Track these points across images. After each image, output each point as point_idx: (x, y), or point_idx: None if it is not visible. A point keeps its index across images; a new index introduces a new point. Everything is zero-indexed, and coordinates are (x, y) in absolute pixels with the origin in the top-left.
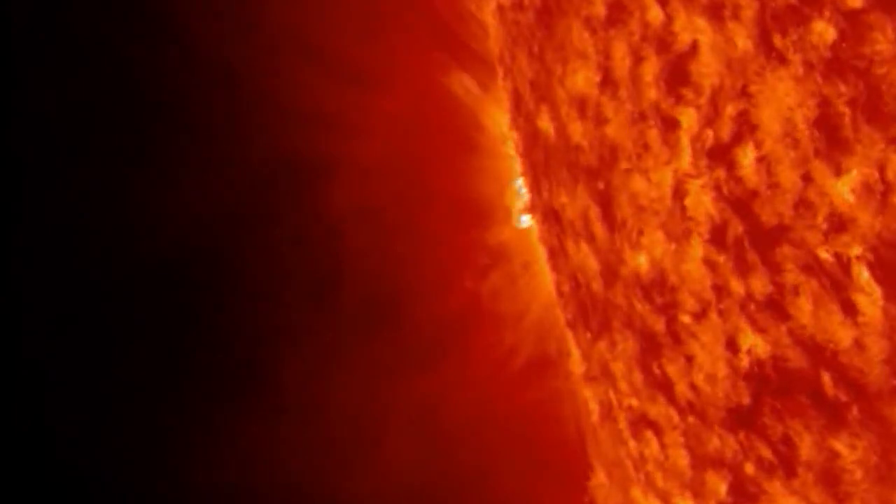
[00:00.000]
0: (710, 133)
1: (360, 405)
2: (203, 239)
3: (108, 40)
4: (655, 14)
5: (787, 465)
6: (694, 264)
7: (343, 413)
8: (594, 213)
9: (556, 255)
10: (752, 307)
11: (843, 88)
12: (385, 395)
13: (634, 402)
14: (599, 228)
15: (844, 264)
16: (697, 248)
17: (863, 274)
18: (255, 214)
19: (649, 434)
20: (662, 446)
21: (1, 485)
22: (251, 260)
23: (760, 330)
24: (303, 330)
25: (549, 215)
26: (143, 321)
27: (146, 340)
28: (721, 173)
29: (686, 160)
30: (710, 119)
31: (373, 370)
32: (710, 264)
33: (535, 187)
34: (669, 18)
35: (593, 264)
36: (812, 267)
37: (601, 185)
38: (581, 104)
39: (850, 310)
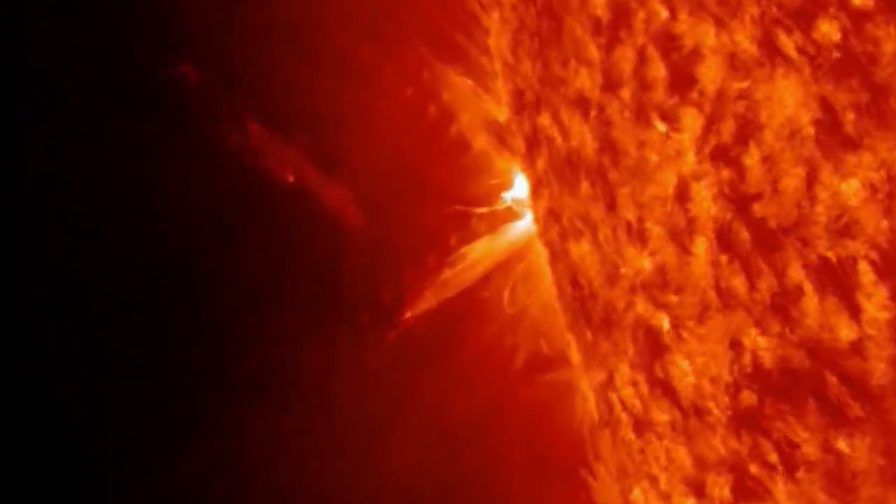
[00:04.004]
0: (713, 134)
1: (362, 405)
2: (204, 239)
3: (108, 41)
4: (659, 15)
5: (790, 465)
6: (697, 264)
7: (344, 413)
8: (596, 213)
9: (557, 254)
10: (756, 308)
11: (847, 89)
12: (386, 395)
13: (636, 402)
14: (601, 228)
15: (849, 265)
16: (701, 249)
17: (867, 275)
18: (255, 215)
19: (651, 434)
20: (665, 447)
21: (2, 484)
22: (252, 260)
23: (764, 330)
24: (304, 331)
25: (550, 215)
26: (146, 322)
27: (147, 341)
28: (725, 174)
29: (690, 161)
30: (714, 120)
31: (374, 370)
32: (713, 264)
33: (536, 187)
34: (673, 19)
35: (595, 264)
36: (816, 267)
37: (603, 186)
38: (583, 105)
39: (854, 310)
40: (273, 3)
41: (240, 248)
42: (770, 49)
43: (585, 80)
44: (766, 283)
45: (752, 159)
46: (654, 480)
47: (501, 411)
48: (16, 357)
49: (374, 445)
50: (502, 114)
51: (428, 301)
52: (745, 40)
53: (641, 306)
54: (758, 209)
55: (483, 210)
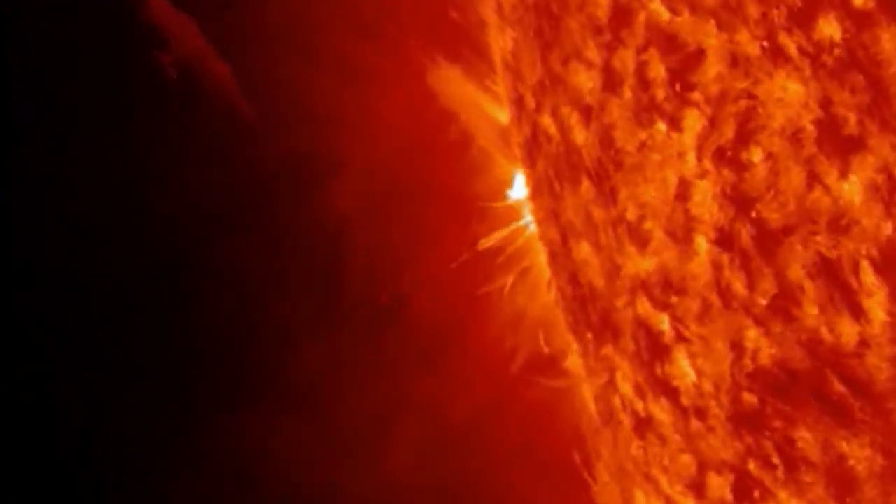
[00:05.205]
0: (715, 134)
1: (362, 406)
2: (204, 239)
3: (107, 41)
4: (660, 15)
5: (791, 466)
6: (698, 265)
7: (345, 414)
8: (597, 213)
9: (557, 255)
10: (757, 308)
11: (849, 88)
12: (387, 396)
13: (637, 403)
14: (602, 229)
15: (850, 265)
16: (702, 249)
17: (868, 275)
18: (255, 215)
19: (652, 435)
20: (666, 448)
21: (2, 484)
22: (252, 260)
23: (765, 331)
24: (304, 331)
25: (550, 215)
26: (146, 322)
27: (148, 342)
28: (726, 174)
29: (691, 161)
30: (716, 120)
31: (374, 371)
32: (714, 265)
33: (536, 187)
34: (674, 20)
35: (595, 264)
36: (818, 267)
37: (604, 186)
38: (584, 105)
39: (855, 310)
40: (273, 3)
41: (240, 248)
42: (771, 49)
43: (586, 81)
44: (767, 284)
45: (753, 159)
46: (654, 481)
47: (501, 411)
48: (16, 357)
49: (375, 445)
50: (503, 114)
51: (428, 301)
52: (746, 40)
53: (642, 306)
54: (759, 209)
55: (483, 210)
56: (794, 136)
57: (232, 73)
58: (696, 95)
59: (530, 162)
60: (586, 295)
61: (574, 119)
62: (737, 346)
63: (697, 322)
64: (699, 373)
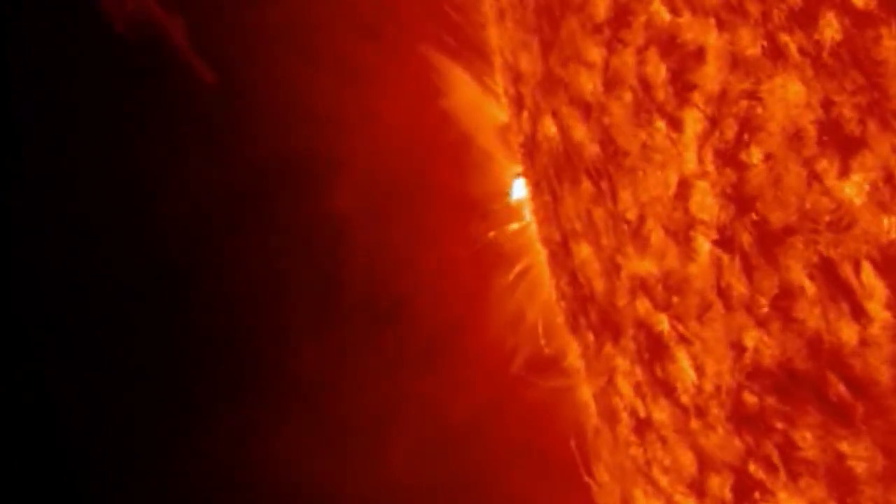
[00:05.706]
0: (715, 134)
1: (362, 406)
2: (204, 239)
3: (107, 41)
4: (661, 15)
5: (792, 466)
6: (699, 265)
7: (345, 414)
8: (597, 213)
9: (557, 255)
10: (757, 308)
11: (849, 89)
12: (386, 396)
13: (637, 403)
14: (602, 229)
15: (851, 265)
16: (702, 249)
17: (869, 275)
18: (255, 215)
19: (652, 435)
20: (666, 448)
21: (2, 484)
22: (252, 260)
23: (766, 331)
24: (304, 331)
25: (550, 215)
26: (146, 322)
27: (148, 342)
28: (726, 174)
29: (691, 161)
30: (716, 120)
31: (375, 371)
32: (714, 265)
33: (536, 187)
34: (675, 20)
35: (595, 265)
36: (818, 267)
37: (604, 186)
38: (584, 105)
39: (856, 311)
40: (273, 3)
41: (240, 248)
42: (772, 49)
43: (586, 81)
44: (768, 284)
45: (753, 159)
46: (654, 481)
47: (501, 412)
48: (16, 357)
49: (375, 445)
50: (503, 114)
51: (428, 301)
52: (747, 40)
53: (642, 307)
54: (759, 209)
55: (483, 210)
56: (795, 136)
57: (232, 73)
58: (696, 95)
59: (530, 162)
60: (586, 295)
61: (574, 119)
62: (737, 346)
63: (698, 322)
64: (699, 373)
